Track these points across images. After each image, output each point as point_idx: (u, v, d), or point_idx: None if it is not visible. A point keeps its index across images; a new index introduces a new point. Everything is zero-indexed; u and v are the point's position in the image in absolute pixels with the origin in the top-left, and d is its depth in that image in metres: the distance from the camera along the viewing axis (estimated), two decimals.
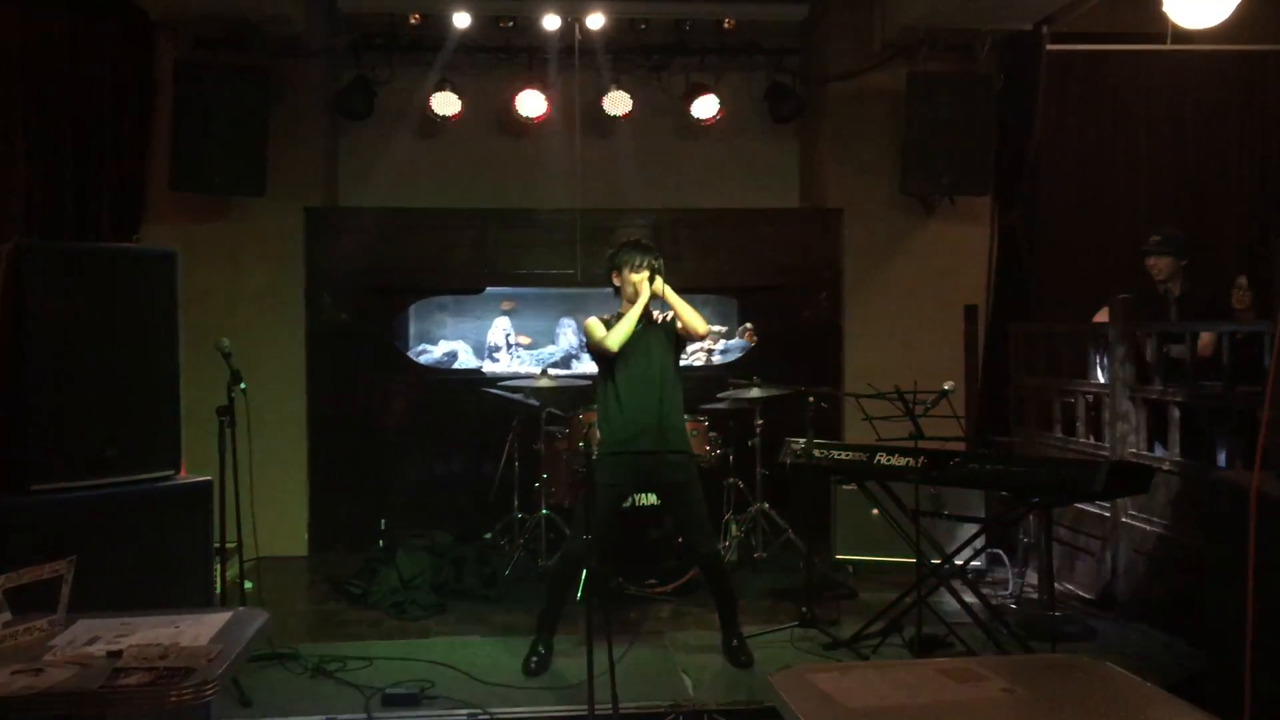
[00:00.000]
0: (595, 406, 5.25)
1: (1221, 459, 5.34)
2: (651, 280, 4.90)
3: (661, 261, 4.97)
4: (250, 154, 6.98)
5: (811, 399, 5.77)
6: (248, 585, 5.60)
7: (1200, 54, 7.41)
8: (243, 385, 4.66)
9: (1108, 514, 5.91)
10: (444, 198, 8.01)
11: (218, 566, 4.43)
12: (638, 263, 4.94)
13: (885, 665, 2.76)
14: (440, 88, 7.66)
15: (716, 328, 8.21)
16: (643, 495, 5.98)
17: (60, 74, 6.91)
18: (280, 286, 7.41)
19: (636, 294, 4.93)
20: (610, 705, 4.07)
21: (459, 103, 7.69)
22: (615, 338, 4.89)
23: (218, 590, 4.52)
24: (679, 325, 4.98)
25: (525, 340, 8.46)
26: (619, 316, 4.99)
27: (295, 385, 7.43)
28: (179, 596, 3.89)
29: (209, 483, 4.18)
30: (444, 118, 7.73)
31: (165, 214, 7.16)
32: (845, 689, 2.29)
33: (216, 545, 4.33)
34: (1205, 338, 5.74)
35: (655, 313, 5.07)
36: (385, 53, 7.79)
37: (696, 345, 8.34)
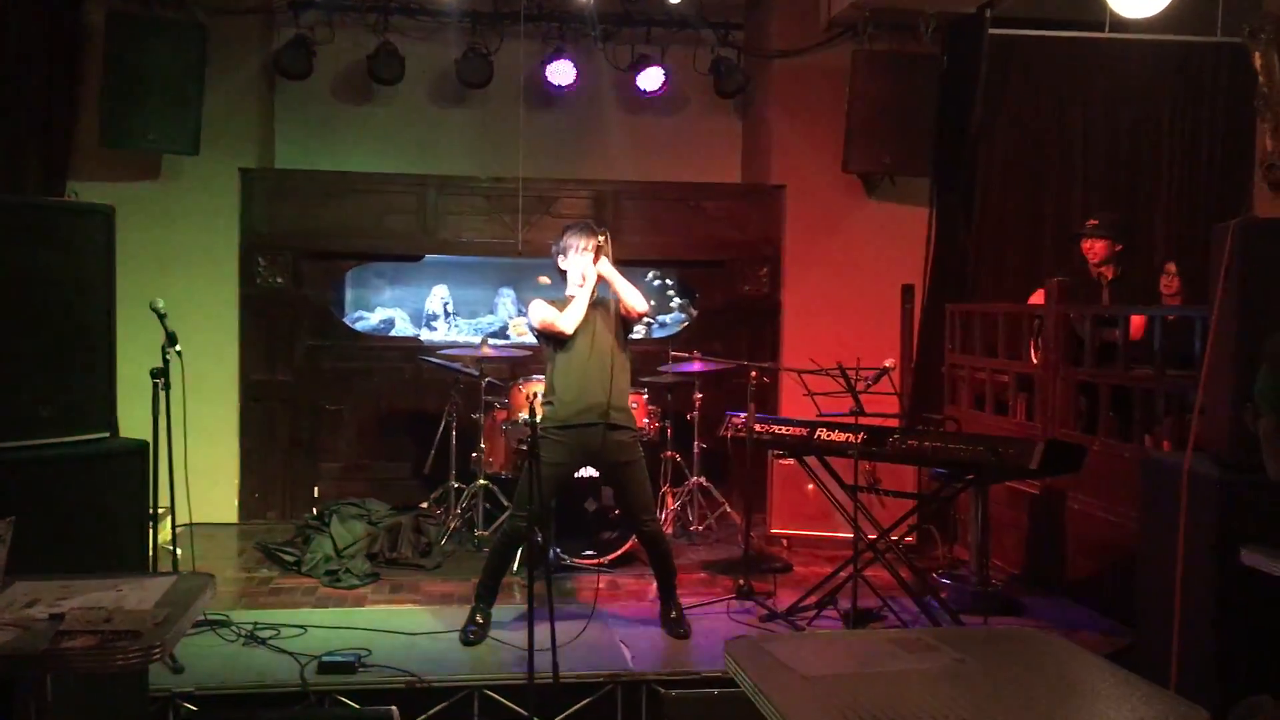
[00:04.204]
0: (541, 379, 5.21)
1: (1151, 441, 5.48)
2: (596, 260, 4.90)
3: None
4: (184, 111, 6.79)
5: (753, 373, 5.80)
6: (179, 552, 5.50)
7: (1136, 42, 7.53)
8: (178, 348, 4.55)
9: (1038, 492, 6.04)
10: (384, 162, 7.89)
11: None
12: (583, 246, 4.94)
13: (838, 635, 2.80)
14: (382, 50, 7.52)
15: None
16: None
17: None
18: (214, 248, 7.25)
19: (584, 279, 4.93)
20: (550, 675, 4.08)
21: (401, 66, 7.57)
22: (569, 319, 4.86)
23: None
24: (620, 306, 4.97)
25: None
26: (566, 302, 4.95)
27: (228, 349, 7.28)
28: (115, 560, 3.80)
29: (145, 444, 4.08)
30: (385, 80, 7.60)
31: (95, 170, 6.92)
32: (802, 658, 2.31)
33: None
34: (1137, 321, 5.86)
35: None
36: (326, 12, 7.61)
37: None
